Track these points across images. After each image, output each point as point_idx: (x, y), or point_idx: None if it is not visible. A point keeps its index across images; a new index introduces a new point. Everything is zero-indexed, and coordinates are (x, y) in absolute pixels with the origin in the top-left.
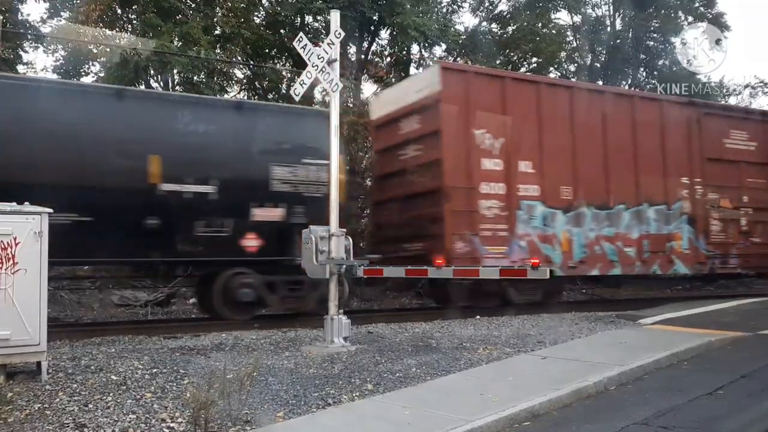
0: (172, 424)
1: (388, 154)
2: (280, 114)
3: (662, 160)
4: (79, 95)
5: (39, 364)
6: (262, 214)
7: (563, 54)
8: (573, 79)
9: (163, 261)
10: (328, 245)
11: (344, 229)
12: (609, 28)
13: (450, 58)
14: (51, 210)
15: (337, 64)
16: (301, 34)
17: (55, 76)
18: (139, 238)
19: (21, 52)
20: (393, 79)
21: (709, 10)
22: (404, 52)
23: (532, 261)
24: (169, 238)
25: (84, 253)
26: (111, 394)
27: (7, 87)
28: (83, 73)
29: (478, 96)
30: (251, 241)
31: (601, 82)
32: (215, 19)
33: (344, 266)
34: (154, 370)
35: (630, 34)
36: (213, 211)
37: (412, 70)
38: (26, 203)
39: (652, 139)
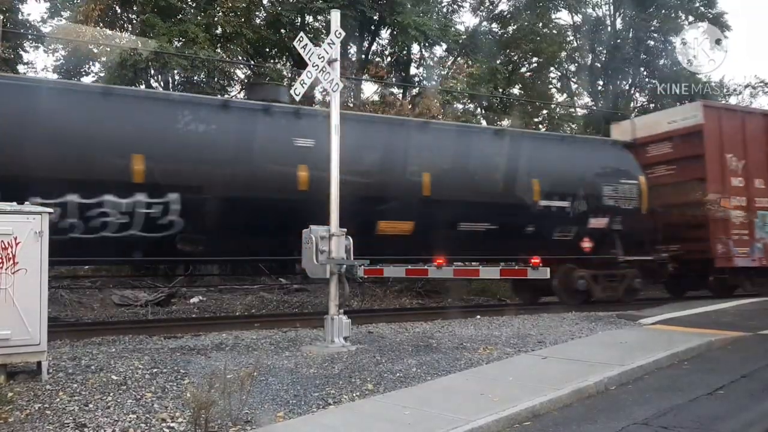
0: (172, 424)
1: None
2: (601, 144)
3: None
4: (476, 136)
5: (39, 363)
6: (595, 222)
7: (564, 54)
8: (574, 79)
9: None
10: (328, 245)
11: (344, 229)
12: (609, 28)
13: (450, 57)
14: (51, 210)
15: (337, 64)
16: (301, 33)
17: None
18: (521, 240)
19: (21, 52)
20: (393, 79)
21: (710, 10)
22: (404, 52)
23: (532, 261)
24: (538, 240)
25: (490, 252)
26: (111, 394)
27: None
28: (83, 73)
29: (726, 126)
30: (586, 243)
31: (601, 83)
32: (215, 18)
33: (344, 266)
34: (155, 370)
35: (630, 34)
36: (565, 221)
37: (413, 69)
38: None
39: None
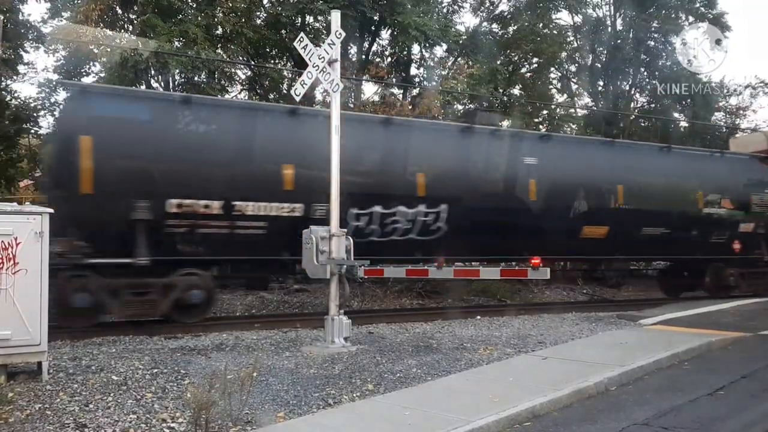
0: (172, 425)
1: None
2: (744, 158)
3: None
4: (656, 153)
5: (40, 364)
6: (744, 227)
7: (564, 54)
8: (574, 79)
9: (690, 259)
10: (328, 245)
11: (344, 230)
12: (610, 29)
13: (451, 58)
14: (51, 210)
15: (337, 65)
16: (302, 34)
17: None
18: (687, 242)
19: (22, 52)
20: (393, 79)
21: (710, 10)
22: (405, 52)
23: (533, 262)
24: (699, 242)
25: (662, 251)
26: (112, 395)
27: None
28: (84, 74)
29: None
30: (736, 245)
31: (601, 83)
32: (216, 19)
33: (345, 266)
34: (155, 371)
35: (631, 35)
36: (721, 226)
37: (413, 70)
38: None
39: None
